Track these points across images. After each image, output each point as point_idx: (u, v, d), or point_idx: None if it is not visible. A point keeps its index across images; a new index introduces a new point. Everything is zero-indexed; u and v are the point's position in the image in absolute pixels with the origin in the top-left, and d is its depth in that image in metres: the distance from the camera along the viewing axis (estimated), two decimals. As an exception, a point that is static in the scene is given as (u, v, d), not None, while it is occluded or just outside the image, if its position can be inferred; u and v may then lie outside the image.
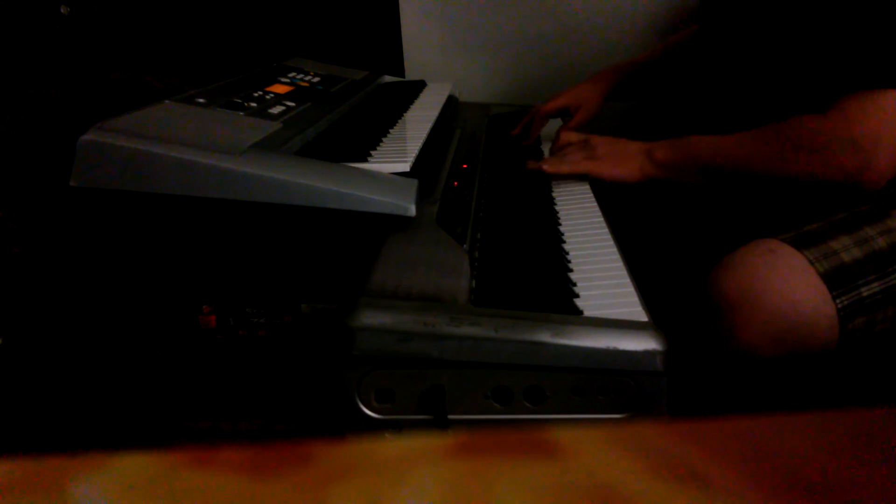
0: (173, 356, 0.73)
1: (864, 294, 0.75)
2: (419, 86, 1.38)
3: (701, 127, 0.97)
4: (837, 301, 0.73)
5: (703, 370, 0.81)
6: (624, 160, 0.95)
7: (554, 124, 1.25)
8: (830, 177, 0.81)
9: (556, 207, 0.91)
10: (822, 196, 0.88)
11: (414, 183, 0.73)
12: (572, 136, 1.06)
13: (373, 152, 0.84)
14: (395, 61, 1.53)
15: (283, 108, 0.93)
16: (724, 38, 1.03)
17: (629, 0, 1.51)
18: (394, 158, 0.81)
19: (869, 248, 0.77)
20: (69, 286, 0.75)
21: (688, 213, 1.15)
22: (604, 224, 0.84)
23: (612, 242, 0.78)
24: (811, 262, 0.74)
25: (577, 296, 0.65)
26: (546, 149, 1.18)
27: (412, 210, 0.68)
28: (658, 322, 0.59)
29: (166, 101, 0.83)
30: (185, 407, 0.72)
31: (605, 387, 0.55)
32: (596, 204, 0.91)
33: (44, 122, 0.83)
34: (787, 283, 0.73)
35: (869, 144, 0.78)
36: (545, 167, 1.00)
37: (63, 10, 0.98)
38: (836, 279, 0.74)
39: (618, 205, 0.95)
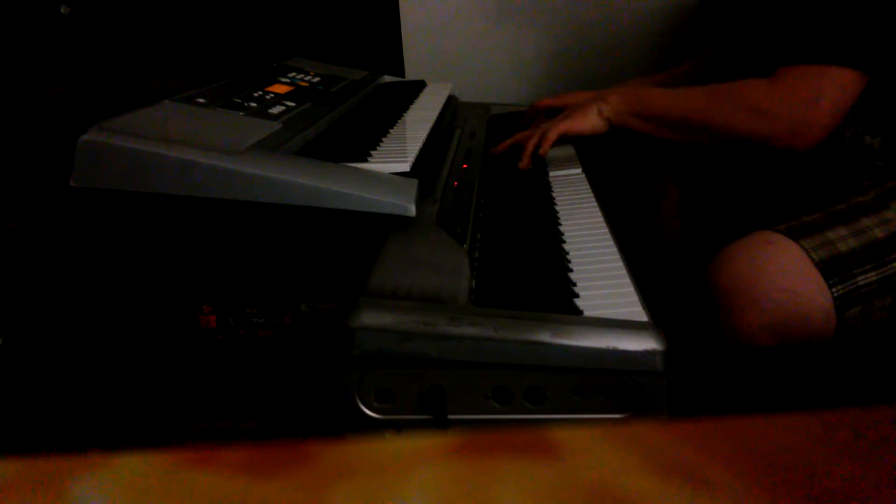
0: (173, 356, 0.73)
1: (861, 283, 0.76)
2: (419, 86, 1.38)
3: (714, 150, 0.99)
4: (833, 290, 0.74)
5: (702, 367, 0.81)
6: (586, 114, 0.97)
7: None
8: (763, 135, 0.86)
9: (556, 207, 0.91)
10: (819, 188, 0.89)
11: (414, 183, 0.73)
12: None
13: (373, 152, 0.84)
14: (395, 61, 1.53)
15: (283, 108, 0.93)
16: (738, 62, 1.03)
17: (629, 1, 1.51)
18: (394, 158, 0.81)
19: (866, 238, 0.78)
20: (69, 286, 0.75)
21: (688, 209, 1.15)
22: (604, 224, 0.84)
23: (612, 242, 0.78)
24: (807, 252, 0.75)
25: (577, 296, 0.65)
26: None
27: (412, 210, 0.68)
28: (658, 322, 0.59)
29: (166, 101, 0.83)
30: (185, 407, 0.72)
31: (605, 387, 0.55)
32: (596, 204, 0.92)
33: (44, 122, 0.83)
34: (783, 273, 0.74)
35: (801, 112, 0.83)
36: (520, 164, 1.00)
37: (63, 10, 0.98)
38: (831, 268, 0.75)
39: (618, 205, 0.96)
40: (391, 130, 0.98)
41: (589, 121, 0.96)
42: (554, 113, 1.24)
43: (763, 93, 0.86)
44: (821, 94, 0.83)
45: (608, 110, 0.96)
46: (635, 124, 0.95)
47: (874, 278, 0.76)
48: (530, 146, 0.99)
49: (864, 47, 0.82)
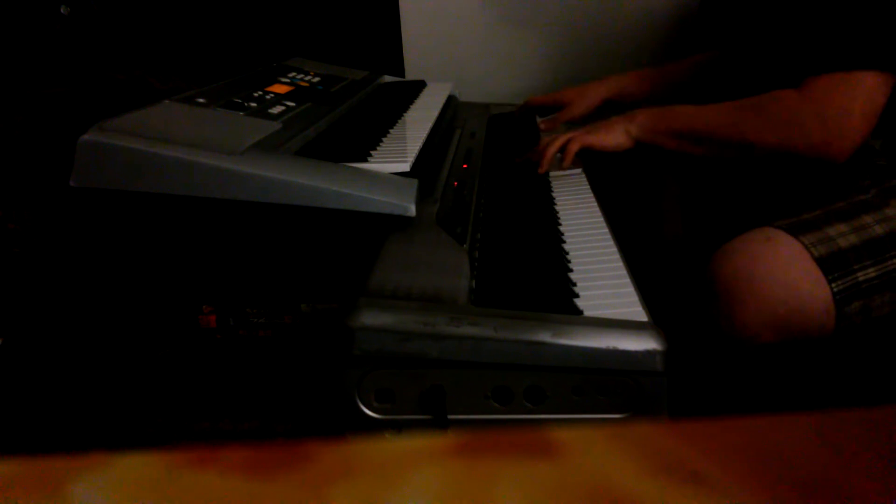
0: (173, 356, 0.73)
1: (861, 279, 0.76)
2: (419, 86, 1.38)
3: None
4: (833, 285, 0.74)
5: (702, 367, 0.82)
6: (611, 130, 0.98)
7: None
8: (797, 148, 0.85)
9: (556, 207, 0.91)
10: (819, 186, 0.90)
11: (414, 183, 0.73)
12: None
13: (373, 152, 0.84)
14: (395, 61, 1.53)
15: (283, 108, 0.93)
16: (748, 63, 1.03)
17: (629, 1, 1.51)
18: (394, 158, 0.81)
19: (866, 234, 0.78)
20: (69, 286, 0.75)
21: (690, 206, 1.15)
22: (604, 224, 0.84)
23: (612, 242, 0.78)
24: (807, 248, 0.75)
25: (577, 296, 0.65)
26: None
27: (412, 210, 0.68)
28: (658, 322, 0.59)
29: (166, 101, 0.83)
30: (184, 407, 0.72)
31: (605, 387, 0.55)
32: (596, 204, 0.92)
33: (44, 122, 0.83)
34: (783, 268, 0.74)
35: (835, 121, 0.83)
36: (539, 170, 1.00)
37: (63, 10, 0.98)
38: (831, 264, 0.75)
39: (618, 205, 0.96)
40: (391, 130, 0.98)
41: (614, 138, 0.97)
42: (547, 108, 1.24)
43: (794, 105, 0.85)
44: (853, 100, 0.82)
45: (636, 130, 0.96)
46: (663, 141, 0.96)
47: (874, 274, 0.77)
48: (550, 153, 0.99)
49: (890, 48, 0.82)
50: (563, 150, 1.01)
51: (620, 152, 0.98)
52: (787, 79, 0.88)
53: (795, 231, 0.77)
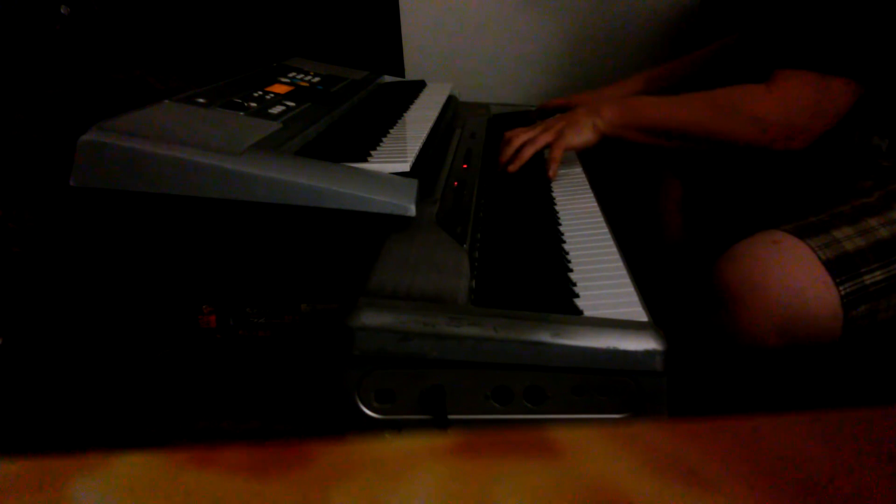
0: (173, 356, 0.73)
1: (868, 282, 0.76)
2: (419, 86, 1.38)
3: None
4: (841, 288, 0.74)
5: (705, 367, 0.81)
6: (580, 129, 0.97)
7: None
8: (760, 142, 0.87)
9: (556, 207, 0.91)
10: (820, 187, 0.90)
11: (414, 183, 0.73)
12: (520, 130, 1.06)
13: (373, 152, 0.84)
14: (395, 61, 1.53)
15: (283, 108, 0.93)
16: (762, 47, 1.03)
17: (630, 1, 1.51)
18: (394, 158, 0.81)
19: (872, 237, 0.78)
20: (69, 286, 0.75)
21: (691, 208, 1.15)
22: (604, 224, 0.84)
23: (612, 242, 0.78)
24: (814, 251, 0.75)
25: (577, 296, 0.65)
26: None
27: (412, 210, 0.68)
28: (658, 322, 0.59)
29: (166, 101, 0.83)
30: (184, 407, 0.72)
31: (605, 387, 0.55)
32: (596, 204, 0.92)
33: (44, 122, 0.83)
34: (791, 273, 0.74)
35: (799, 119, 0.85)
36: (510, 168, 1.00)
37: (63, 10, 0.98)
38: (838, 267, 0.74)
39: (618, 204, 0.96)
40: (391, 130, 0.98)
41: (583, 136, 0.96)
42: (557, 110, 1.24)
43: (761, 100, 0.86)
44: (818, 101, 0.84)
45: (602, 124, 0.96)
46: (631, 136, 0.95)
47: (881, 277, 0.76)
48: (527, 155, 0.99)
49: (863, 60, 0.83)
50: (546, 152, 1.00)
51: (591, 147, 0.98)
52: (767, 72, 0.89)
53: (802, 234, 0.77)
